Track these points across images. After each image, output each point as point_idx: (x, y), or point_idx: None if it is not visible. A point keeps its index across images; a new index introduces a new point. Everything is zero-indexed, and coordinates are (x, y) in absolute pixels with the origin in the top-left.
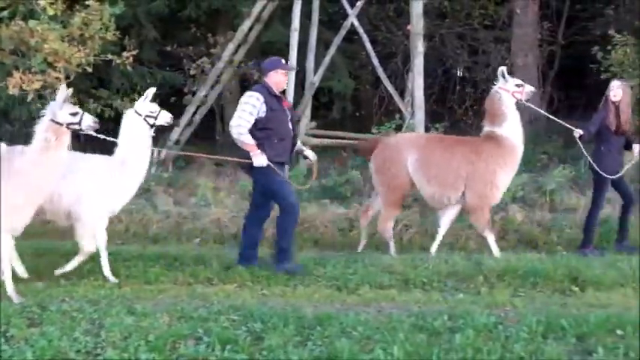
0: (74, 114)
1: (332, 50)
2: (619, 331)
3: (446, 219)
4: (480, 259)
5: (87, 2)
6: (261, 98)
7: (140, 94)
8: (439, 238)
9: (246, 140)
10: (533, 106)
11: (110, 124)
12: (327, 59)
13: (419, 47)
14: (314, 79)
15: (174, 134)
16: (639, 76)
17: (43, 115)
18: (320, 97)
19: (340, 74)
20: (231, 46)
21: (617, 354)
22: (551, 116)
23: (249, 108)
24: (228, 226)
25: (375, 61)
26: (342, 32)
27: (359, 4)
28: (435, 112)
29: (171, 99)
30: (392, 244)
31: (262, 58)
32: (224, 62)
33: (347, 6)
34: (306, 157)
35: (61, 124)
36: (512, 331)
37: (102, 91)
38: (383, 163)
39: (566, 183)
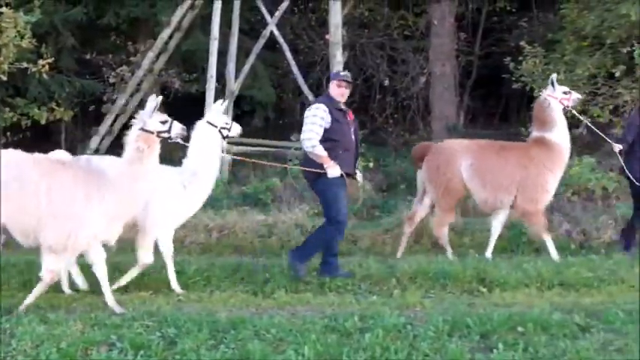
0: (164, 122)
1: (252, 59)
2: (520, 328)
3: (497, 223)
4: (393, 262)
5: (0, 10)
6: (327, 109)
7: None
8: (493, 241)
9: (319, 152)
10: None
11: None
12: (246, 67)
13: (338, 56)
14: (234, 88)
15: (94, 143)
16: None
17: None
18: (242, 105)
19: (261, 83)
20: (151, 55)
21: (516, 349)
22: (592, 127)
23: (318, 120)
24: None
25: (295, 70)
26: (262, 41)
27: (278, 13)
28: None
29: (90, 107)
30: (449, 249)
31: (183, 66)
32: (144, 70)
33: (267, 15)
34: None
35: (151, 133)
36: (420, 331)
37: (18, 99)
38: (437, 168)
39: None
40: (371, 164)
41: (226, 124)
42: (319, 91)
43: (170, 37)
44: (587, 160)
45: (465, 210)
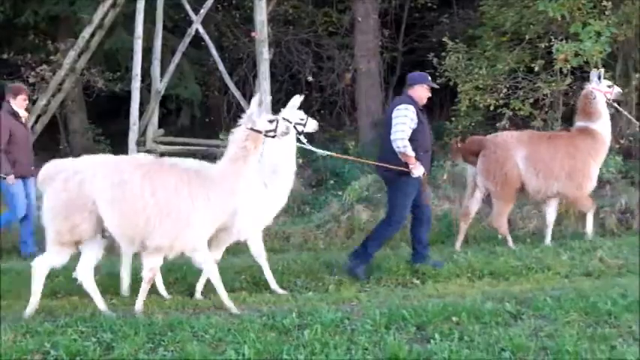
0: (271, 121)
1: (177, 57)
2: (454, 318)
3: (551, 210)
4: (328, 258)
5: None
6: (414, 110)
7: None
8: (550, 230)
9: (409, 152)
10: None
11: None
12: (172, 66)
13: (264, 54)
14: (160, 86)
15: None
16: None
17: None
18: (168, 104)
19: (187, 81)
20: (72, 53)
21: (452, 339)
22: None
23: (408, 120)
24: None
25: (222, 67)
26: (187, 39)
27: (203, 11)
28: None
29: None
30: (509, 238)
31: (105, 65)
32: (66, 70)
33: (191, 12)
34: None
35: (260, 132)
36: (358, 325)
37: None
38: (495, 162)
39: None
40: (300, 160)
41: (301, 119)
42: (245, 88)
43: (92, 35)
44: None
45: None
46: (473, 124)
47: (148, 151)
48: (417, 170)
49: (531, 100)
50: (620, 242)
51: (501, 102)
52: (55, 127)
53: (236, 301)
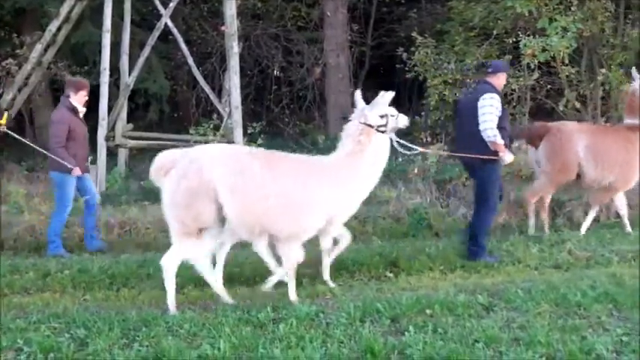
0: (383, 116)
1: (146, 51)
2: (428, 311)
3: (622, 202)
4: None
5: None
6: (498, 98)
7: None
8: (626, 218)
9: (499, 140)
10: None
11: None
12: (141, 60)
13: (234, 48)
14: (128, 81)
15: None
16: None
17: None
18: (136, 98)
19: (156, 75)
20: (39, 47)
21: (426, 331)
22: None
23: (494, 110)
24: (44, 234)
25: (191, 62)
26: (156, 33)
27: (172, 4)
28: (252, 111)
29: None
30: (532, 221)
31: (72, 59)
32: (32, 64)
33: (160, 6)
34: None
35: (372, 127)
36: (333, 318)
37: None
38: (558, 146)
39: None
40: None
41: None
42: (214, 82)
43: (59, 28)
44: None
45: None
46: (442, 118)
47: (118, 146)
48: (508, 157)
49: None
50: (587, 235)
51: None
52: (21, 121)
53: (210, 296)
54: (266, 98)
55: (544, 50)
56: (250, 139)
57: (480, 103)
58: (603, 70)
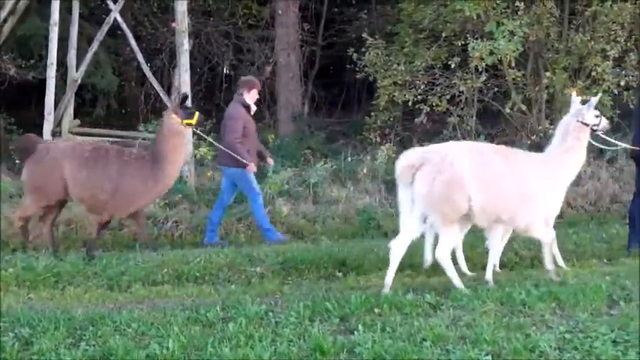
0: (597, 116)
1: (94, 46)
2: (377, 310)
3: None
4: (250, 250)
5: None
6: None
7: None
8: None
9: None
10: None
11: None
12: (89, 55)
13: (185, 45)
14: (76, 76)
15: None
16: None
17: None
18: (83, 93)
19: (104, 70)
20: None
21: (375, 330)
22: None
23: None
24: None
25: (140, 58)
26: (105, 28)
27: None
28: (202, 109)
29: None
30: None
31: (18, 52)
32: None
33: (109, 1)
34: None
35: (587, 125)
36: (282, 317)
37: None
38: None
39: (328, 176)
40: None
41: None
42: (163, 79)
43: (4, 21)
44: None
45: (316, 198)
46: (391, 119)
47: None
48: None
49: (448, 97)
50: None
51: (419, 98)
52: None
53: (158, 295)
54: (216, 96)
55: (491, 53)
56: (200, 137)
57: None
58: (548, 74)
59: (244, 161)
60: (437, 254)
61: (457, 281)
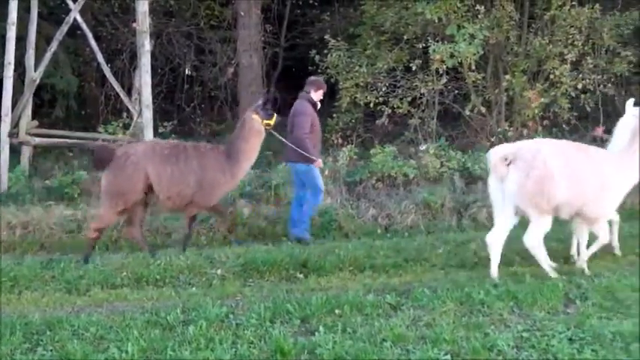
0: None
1: (54, 46)
2: (337, 311)
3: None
4: (211, 253)
5: None
6: None
7: None
8: None
9: None
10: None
11: None
12: (48, 55)
13: (146, 45)
14: (34, 76)
15: None
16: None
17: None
18: (42, 94)
19: (63, 71)
20: None
21: (335, 331)
22: None
23: None
24: None
25: (100, 58)
26: (64, 27)
27: None
28: (163, 110)
29: None
30: None
31: None
32: None
33: (69, 0)
34: None
35: None
36: (243, 319)
37: None
38: None
39: (289, 178)
40: None
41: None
42: (124, 80)
43: None
44: (389, 149)
45: (278, 200)
46: (353, 120)
47: (22, 143)
48: None
49: (409, 99)
50: None
51: (381, 99)
52: None
53: (118, 298)
54: (177, 97)
55: (452, 56)
56: (161, 138)
57: None
58: (507, 77)
59: (312, 157)
60: (527, 242)
61: (549, 268)
